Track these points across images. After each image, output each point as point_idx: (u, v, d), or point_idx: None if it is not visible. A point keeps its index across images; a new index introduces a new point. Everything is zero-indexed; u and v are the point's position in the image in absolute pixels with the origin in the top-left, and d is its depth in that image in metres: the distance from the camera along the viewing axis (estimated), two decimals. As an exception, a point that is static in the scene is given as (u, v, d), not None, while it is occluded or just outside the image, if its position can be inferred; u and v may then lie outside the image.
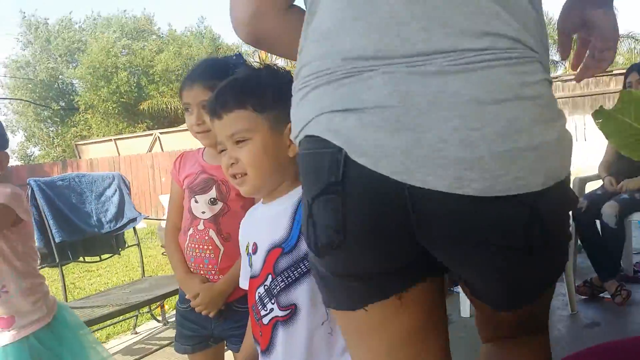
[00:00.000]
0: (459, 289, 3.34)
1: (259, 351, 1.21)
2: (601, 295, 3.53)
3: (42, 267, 3.12)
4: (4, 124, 1.77)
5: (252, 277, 1.21)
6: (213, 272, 1.66)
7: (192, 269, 1.69)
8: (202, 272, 1.68)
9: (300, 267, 1.11)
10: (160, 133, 16.52)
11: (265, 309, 1.17)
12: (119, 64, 23.80)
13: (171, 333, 3.73)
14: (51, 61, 26.32)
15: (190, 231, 1.68)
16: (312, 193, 0.83)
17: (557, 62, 22.83)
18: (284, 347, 1.14)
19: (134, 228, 3.93)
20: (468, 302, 3.36)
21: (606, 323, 3.16)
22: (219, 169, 1.65)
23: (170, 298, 4.09)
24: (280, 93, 1.13)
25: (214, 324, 1.69)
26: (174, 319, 4.06)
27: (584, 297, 3.53)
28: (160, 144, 16.15)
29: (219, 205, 1.65)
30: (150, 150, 15.91)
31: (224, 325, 1.68)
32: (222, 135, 1.19)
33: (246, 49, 23.96)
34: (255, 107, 1.15)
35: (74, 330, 1.81)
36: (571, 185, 3.30)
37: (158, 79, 24.10)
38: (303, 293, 1.11)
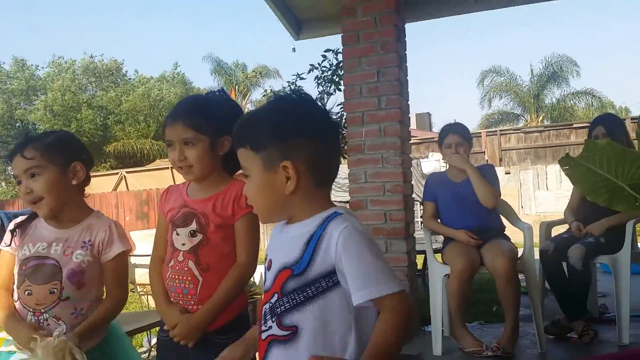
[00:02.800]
0: (430, 327, 3.41)
1: None
2: (568, 335, 3.63)
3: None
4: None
5: (264, 292, 1.25)
6: (192, 302, 1.68)
7: (172, 299, 1.72)
8: (181, 302, 1.70)
9: (306, 291, 1.14)
10: (126, 172, 16.35)
11: (265, 325, 1.20)
12: (82, 101, 23.60)
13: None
14: (8, 101, 25.84)
15: (171, 263, 1.72)
16: None
17: (517, 115, 23.68)
18: None
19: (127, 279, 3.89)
20: (439, 340, 3.42)
21: (574, 362, 3.25)
22: (200, 203, 1.72)
23: (139, 335, 4.05)
24: (275, 131, 1.18)
25: (192, 354, 1.69)
26: (143, 355, 4.02)
27: (552, 336, 3.63)
28: (126, 183, 15.96)
29: (199, 237, 1.69)
30: (115, 189, 15.69)
31: (204, 356, 1.67)
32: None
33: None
34: (251, 146, 1.21)
35: (125, 341, 1.95)
36: (538, 229, 3.45)
37: (124, 119, 23.94)
38: (307, 317, 1.14)
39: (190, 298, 1.68)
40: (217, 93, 1.84)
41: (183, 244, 1.69)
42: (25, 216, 1.82)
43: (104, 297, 1.82)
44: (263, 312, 1.22)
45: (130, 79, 27.56)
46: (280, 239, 1.26)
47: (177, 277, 1.70)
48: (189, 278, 1.68)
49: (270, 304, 1.20)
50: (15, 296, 1.74)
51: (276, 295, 1.18)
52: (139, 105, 23.83)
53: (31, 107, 25.24)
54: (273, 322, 1.18)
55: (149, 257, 4.36)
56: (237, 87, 24.87)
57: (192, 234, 1.69)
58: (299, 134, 1.19)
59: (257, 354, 1.29)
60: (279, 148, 1.18)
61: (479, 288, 5.01)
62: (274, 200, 1.21)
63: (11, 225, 1.80)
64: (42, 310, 1.69)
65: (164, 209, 1.79)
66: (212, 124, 1.68)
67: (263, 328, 1.21)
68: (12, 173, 1.76)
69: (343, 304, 1.14)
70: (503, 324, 3.68)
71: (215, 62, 25.10)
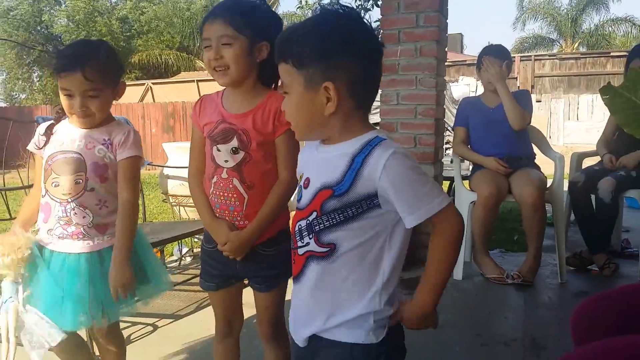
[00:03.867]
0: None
1: (292, 276, 1.29)
2: (589, 267, 3.66)
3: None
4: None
5: (298, 209, 1.26)
6: (239, 218, 1.69)
7: (217, 215, 1.72)
8: (227, 217, 1.70)
9: (347, 212, 1.16)
10: (152, 83, 16.33)
11: (302, 241, 1.23)
12: (103, 9, 23.28)
13: (170, 278, 3.80)
14: (35, 4, 25.55)
15: (214, 179, 1.70)
16: None
17: (553, 40, 22.81)
18: (317, 279, 1.21)
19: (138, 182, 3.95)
20: (461, 265, 3.46)
21: (593, 293, 3.28)
22: (239, 118, 1.67)
23: (169, 245, 4.18)
24: (320, 48, 1.14)
25: (239, 265, 1.74)
26: (172, 264, 4.17)
27: (573, 268, 3.65)
28: (152, 95, 15.99)
29: (241, 154, 1.66)
30: (141, 100, 15.75)
31: (248, 267, 1.74)
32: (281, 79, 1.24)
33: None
34: (293, 62, 1.17)
35: (146, 245, 2.00)
36: (569, 160, 3.42)
37: (147, 30, 23.62)
38: (345, 235, 1.17)
39: (237, 214, 1.69)
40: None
41: (226, 161, 1.67)
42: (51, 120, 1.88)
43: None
44: (298, 228, 1.24)
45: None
46: (317, 158, 1.25)
47: (222, 193, 1.69)
48: (235, 195, 1.68)
49: (308, 221, 1.21)
50: (43, 191, 1.80)
51: (315, 213, 1.19)
52: (161, 15, 23.41)
53: (56, 11, 24.96)
54: (311, 238, 1.20)
55: (181, 169, 4.44)
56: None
57: (234, 151, 1.66)
58: (344, 55, 1.15)
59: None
60: (323, 68, 1.14)
61: (501, 216, 5.02)
62: (313, 119, 1.19)
63: (42, 129, 1.84)
64: (69, 200, 1.76)
65: (200, 121, 1.76)
66: (251, 26, 1.62)
67: (299, 244, 1.24)
68: (61, 86, 1.73)
69: (380, 222, 1.17)
70: (523, 253, 3.74)
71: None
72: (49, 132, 1.84)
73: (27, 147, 1.88)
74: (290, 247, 1.30)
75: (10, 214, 3.14)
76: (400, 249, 1.19)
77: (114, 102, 1.88)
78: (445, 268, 1.19)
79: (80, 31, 22.59)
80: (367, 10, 4.71)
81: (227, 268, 1.77)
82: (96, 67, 1.73)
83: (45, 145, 1.82)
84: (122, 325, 2.05)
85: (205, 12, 21.80)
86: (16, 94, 27.62)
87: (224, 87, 1.74)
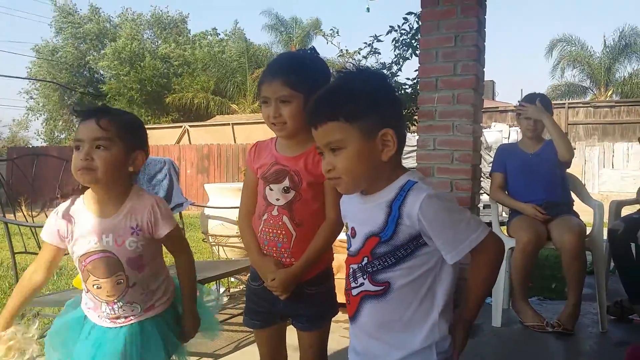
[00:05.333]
0: (491, 299, 3.43)
1: (348, 317, 1.33)
2: (630, 317, 3.58)
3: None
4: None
5: (349, 255, 1.33)
6: (286, 255, 1.76)
7: (265, 252, 1.79)
8: (274, 254, 1.77)
9: (397, 254, 1.23)
10: (190, 126, 16.76)
11: (356, 282, 1.29)
12: (146, 49, 24.19)
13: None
14: (79, 48, 26.73)
15: (265, 216, 1.78)
16: None
17: (586, 87, 22.71)
18: (373, 317, 1.26)
19: (180, 213, 4.06)
20: (500, 312, 3.44)
21: (635, 343, 3.22)
22: (292, 160, 1.77)
23: (209, 284, 4.23)
24: (372, 100, 1.24)
25: (284, 304, 1.79)
26: (210, 304, 4.22)
27: (614, 317, 3.58)
28: (189, 137, 16.39)
29: (292, 193, 1.75)
30: (178, 142, 16.15)
31: (293, 306, 1.78)
32: (318, 143, 1.30)
33: (275, 50, 24.17)
34: (346, 118, 1.23)
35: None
36: (607, 208, 3.39)
37: (184, 72, 24.40)
38: (398, 273, 1.24)
39: (284, 251, 1.76)
40: (308, 52, 1.87)
41: (277, 199, 1.76)
42: (67, 205, 1.77)
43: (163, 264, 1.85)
44: (351, 271, 1.31)
45: (191, 33, 28.01)
46: (357, 209, 1.33)
47: (271, 230, 1.76)
48: (283, 232, 1.75)
49: (361, 265, 1.28)
50: (85, 289, 1.75)
51: (366, 259, 1.27)
52: (199, 59, 24.18)
53: (100, 54, 26.01)
54: (365, 279, 1.27)
55: (221, 209, 4.53)
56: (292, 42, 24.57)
57: (286, 190, 1.75)
58: (391, 102, 1.27)
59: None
60: (379, 116, 1.23)
61: (539, 264, 4.95)
62: (370, 167, 1.26)
63: (58, 217, 1.74)
64: (115, 301, 1.71)
65: (254, 165, 1.84)
66: (306, 83, 1.71)
67: (353, 285, 1.30)
68: (75, 137, 1.67)
69: (430, 258, 1.24)
70: (561, 301, 3.69)
71: (273, 17, 24.74)
72: (67, 216, 1.73)
73: (41, 236, 1.77)
74: (333, 286, 1.36)
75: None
76: (451, 278, 1.26)
77: (132, 178, 1.75)
78: (487, 288, 1.28)
79: (123, 68, 23.37)
80: (406, 59, 4.81)
81: (272, 306, 1.81)
82: (113, 121, 1.67)
83: (69, 234, 1.72)
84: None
85: (240, 58, 22.68)
86: (56, 135, 28.59)
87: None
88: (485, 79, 4.00)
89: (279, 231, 1.75)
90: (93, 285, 1.70)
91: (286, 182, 1.75)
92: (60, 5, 27.35)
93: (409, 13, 4.83)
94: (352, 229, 1.32)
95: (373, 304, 1.26)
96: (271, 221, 1.77)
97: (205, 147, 14.50)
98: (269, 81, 1.74)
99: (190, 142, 15.95)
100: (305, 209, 1.75)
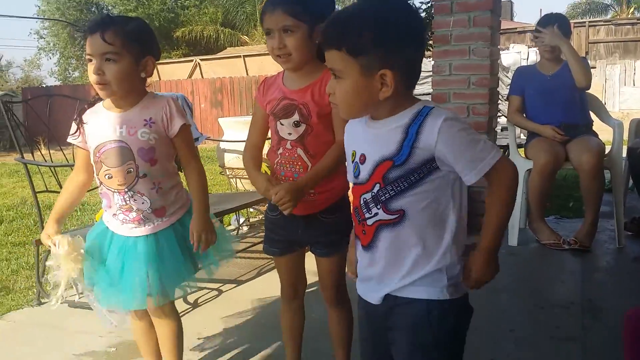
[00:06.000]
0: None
1: (360, 246, 1.36)
2: (647, 233, 3.63)
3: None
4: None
5: (357, 184, 1.34)
6: None
7: (282, 181, 1.80)
8: None
9: (410, 179, 1.24)
10: (200, 59, 16.57)
11: (369, 212, 1.30)
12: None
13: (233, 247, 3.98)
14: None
15: (280, 150, 1.80)
16: None
17: (607, 5, 21.86)
18: (390, 245, 1.29)
19: (197, 147, 4.09)
20: (516, 232, 3.50)
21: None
22: (299, 93, 1.76)
23: (229, 215, 4.35)
24: (378, 38, 1.19)
25: (301, 231, 1.84)
26: (231, 233, 4.35)
27: (631, 233, 3.64)
28: (201, 71, 16.24)
29: (303, 126, 1.76)
30: (190, 77, 16.02)
31: (310, 233, 1.83)
32: (327, 64, 1.29)
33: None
34: (349, 50, 1.20)
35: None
36: (627, 127, 3.38)
37: (192, 3, 23.86)
38: (412, 199, 1.25)
39: None
40: None
41: (289, 134, 1.77)
42: (86, 107, 1.87)
43: (177, 170, 1.91)
44: (363, 202, 1.31)
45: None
46: (368, 134, 1.31)
47: (287, 162, 1.79)
48: (299, 164, 1.77)
49: (373, 193, 1.29)
50: (98, 182, 1.83)
51: (378, 185, 1.27)
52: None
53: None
54: (379, 208, 1.28)
55: (236, 143, 4.56)
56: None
57: (296, 124, 1.75)
58: (399, 43, 1.20)
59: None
60: (380, 56, 1.19)
61: (557, 183, 4.97)
62: (366, 103, 1.26)
63: (76, 121, 1.85)
64: (126, 190, 1.78)
65: (263, 101, 1.85)
66: (310, 12, 1.68)
67: (367, 215, 1.31)
68: (86, 52, 1.72)
69: (442, 182, 1.25)
70: (579, 219, 3.74)
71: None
72: (79, 121, 1.83)
73: (68, 140, 1.88)
74: (349, 214, 1.39)
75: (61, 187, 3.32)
76: (462, 202, 1.28)
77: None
78: (505, 213, 1.27)
79: (130, 3, 22.91)
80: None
81: (290, 234, 1.86)
82: (118, 33, 1.69)
83: (79, 135, 1.83)
84: (189, 290, 2.15)
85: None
86: (69, 73, 28.49)
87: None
88: (503, 0, 3.88)
89: (295, 162, 1.78)
90: (105, 176, 1.78)
91: (295, 116, 1.75)
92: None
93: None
94: (362, 155, 1.32)
95: (389, 231, 1.28)
96: (287, 154, 1.79)
97: (218, 81, 14.37)
98: (271, 11, 1.69)
99: (202, 76, 15.82)
100: (318, 141, 1.76)
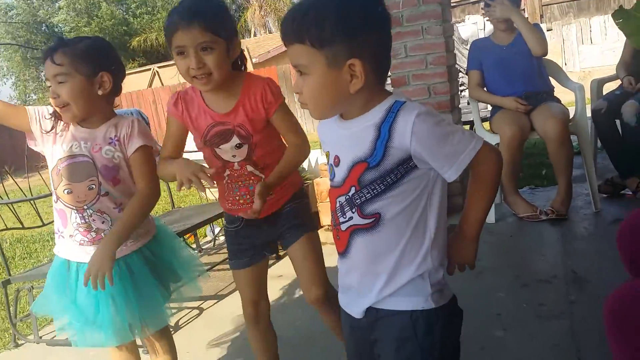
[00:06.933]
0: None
1: (338, 252, 1.28)
2: (622, 192, 3.61)
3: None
4: None
5: (333, 187, 1.26)
6: None
7: (239, 200, 1.71)
8: (249, 196, 1.69)
9: (386, 180, 1.15)
10: (158, 67, 16.29)
11: (344, 216, 1.22)
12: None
13: (207, 259, 3.87)
14: (30, 4, 25.51)
15: (227, 172, 1.69)
16: None
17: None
18: (365, 251, 1.21)
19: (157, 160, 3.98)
20: (492, 208, 3.45)
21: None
22: (230, 116, 1.63)
23: (203, 227, 4.23)
24: (342, 26, 1.10)
25: (266, 230, 1.76)
26: (207, 245, 4.24)
27: (606, 195, 3.62)
28: (160, 79, 15.96)
29: (245, 146, 1.66)
30: (150, 86, 15.74)
31: (276, 227, 1.76)
32: (290, 61, 1.19)
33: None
34: (312, 42, 1.12)
35: (172, 239, 1.98)
36: (589, 87, 3.32)
37: (142, 12, 23.48)
38: (388, 202, 1.16)
39: None
40: None
41: (233, 156, 1.67)
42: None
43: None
44: (338, 206, 1.23)
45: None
46: (340, 135, 1.23)
47: (239, 181, 1.70)
48: (252, 178, 1.69)
49: (348, 197, 1.21)
50: (55, 197, 1.76)
51: (353, 188, 1.19)
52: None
53: (53, 7, 24.91)
54: (354, 212, 1.20)
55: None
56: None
57: (238, 146, 1.65)
58: (365, 29, 1.12)
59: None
60: (347, 45, 1.11)
61: (527, 152, 4.95)
62: (336, 98, 1.17)
63: (46, 113, 1.77)
64: (85, 207, 1.72)
65: (184, 118, 1.69)
66: (227, 27, 1.58)
67: (341, 219, 1.23)
68: (44, 76, 1.74)
69: (420, 182, 1.17)
70: (554, 187, 3.71)
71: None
72: (55, 118, 1.75)
73: (30, 146, 1.81)
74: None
75: (42, 221, 3.19)
76: (442, 203, 1.20)
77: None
78: (490, 202, 1.23)
79: (81, 19, 22.46)
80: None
81: (256, 238, 1.79)
82: (66, 53, 1.67)
83: (51, 129, 1.75)
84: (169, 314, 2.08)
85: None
86: (29, 96, 27.86)
87: None
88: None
89: (247, 178, 1.70)
90: (64, 191, 1.73)
91: (235, 140, 1.64)
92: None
93: None
94: (336, 157, 1.24)
95: (364, 237, 1.20)
96: (236, 174, 1.69)
97: (178, 87, 14.14)
98: (185, 27, 1.53)
99: (162, 84, 15.56)
100: (265, 151, 1.68)
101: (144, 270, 1.77)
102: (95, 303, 1.72)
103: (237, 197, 1.73)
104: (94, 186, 1.71)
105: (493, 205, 3.43)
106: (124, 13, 23.84)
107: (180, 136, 1.73)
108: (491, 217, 3.46)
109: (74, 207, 1.73)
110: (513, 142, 3.31)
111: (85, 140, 1.74)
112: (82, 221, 1.73)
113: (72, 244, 1.76)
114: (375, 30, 1.15)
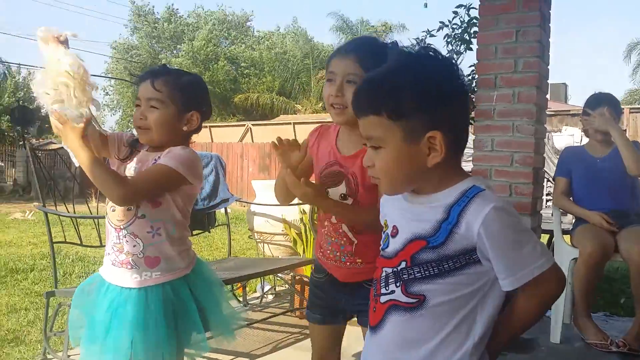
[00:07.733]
0: (550, 312, 3.18)
1: (369, 328, 1.20)
2: None
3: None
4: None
5: (384, 257, 1.19)
6: (348, 256, 1.68)
7: (329, 254, 1.71)
8: (338, 253, 1.69)
9: (443, 265, 1.08)
10: (252, 124, 17.00)
11: (386, 288, 1.15)
12: (219, 53, 24.74)
13: (250, 315, 3.78)
14: (153, 47, 27.70)
15: (326, 222, 1.71)
16: None
17: None
18: (399, 332, 1.12)
19: (225, 209, 4.02)
20: (559, 327, 3.18)
21: None
22: (350, 160, 1.65)
23: (253, 280, 4.18)
24: (422, 97, 1.07)
25: (345, 299, 1.72)
26: (254, 301, 4.16)
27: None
28: (252, 135, 16.63)
29: (349, 200, 1.65)
30: (241, 140, 16.42)
31: (354, 301, 1.69)
32: (362, 134, 1.16)
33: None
34: (389, 114, 1.08)
35: (210, 285, 1.89)
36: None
37: (251, 73, 24.82)
38: (437, 288, 1.08)
39: (347, 253, 1.68)
40: (389, 45, 1.69)
41: None
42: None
43: (186, 226, 1.81)
44: (383, 275, 1.16)
45: (254, 32, 28.54)
46: (406, 207, 1.17)
47: (332, 235, 1.70)
48: (345, 239, 1.67)
49: (396, 270, 1.14)
50: (106, 213, 1.78)
51: (404, 263, 1.12)
52: (266, 61, 24.53)
53: (174, 54, 26.87)
54: (398, 287, 1.13)
55: (267, 207, 4.47)
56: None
57: (343, 197, 1.65)
58: (445, 101, 1.09)
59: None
60: (426, 117, 1.07)
61: (608, 277, 4.62)
62: (412, 173, 1.12)
63: (127, 140, 1.82)
64: (122, 227, 1.71)
65: (313, 150, 1.75)
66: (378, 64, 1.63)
67: (383, 291, 1.16)
68: (137, 94, 1.78)
69: (478, 279, 1.09)
70: (631, 318, 3.38)
71: (339, 19, 24.51)
72: (134, 145, 1.79)
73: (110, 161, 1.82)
74: None
75: (101, 241, 3.25)
76: (495, 310, 1.10)
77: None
78: (530, 325, 1.14)
79: (197, 68, 24.00)
80: (459, 53, 4.55)
81: (332, 300, 1.76)
82: (168, 82, 1.71)
83: (124, 159, 1.79)
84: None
85: (305, 60, 22.80)
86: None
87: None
88: (557, 82, 3.74)
89: (340, 237, 1.69)
90: (110, 208, 1.74)
91: (342, 188, 1.65)
92: (138, 4, 28.41)
93: (459, 6, 4.57)
94: (394, 227, 1.18)
95: (401, 317, 1.11)
96: (332, 227, 1.70)
97: (268, 145, 14.61)
98: (341, 57, 1.63)
99: (252, 141, 16.17)
100: None
101: (159, 313, 1.70)
102: (108, 325, 1.69)
103: (329, 251, 1.72)
104: (132, 207, 1.70)
105: (561, 324, 3.19)
106: (235, 70, 25.29)
107: (306, 163, 1.73)
108: (556, 337, 3.19)
109: (114, 226, 1.74)
110: (592, 259, 3.07)
111: (137, 162, 1.76)
112: (117, 241, 1.73)
113: (107, 261, 1.76)
114: (454, 101, 1.11)
